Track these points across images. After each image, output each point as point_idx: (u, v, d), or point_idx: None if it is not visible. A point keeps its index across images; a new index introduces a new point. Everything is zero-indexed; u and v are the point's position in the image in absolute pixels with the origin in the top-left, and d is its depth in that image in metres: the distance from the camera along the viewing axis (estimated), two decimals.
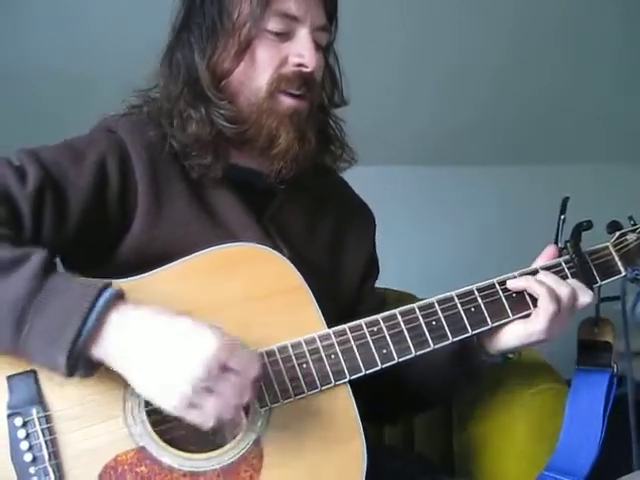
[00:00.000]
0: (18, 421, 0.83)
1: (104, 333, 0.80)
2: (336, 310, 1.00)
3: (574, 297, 1.03)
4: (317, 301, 0.96)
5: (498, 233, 3.04)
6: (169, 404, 0.79)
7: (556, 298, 1.01)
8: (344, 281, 1.16)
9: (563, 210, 1.10)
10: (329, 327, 0.96)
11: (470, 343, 1.07)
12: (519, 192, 3.13)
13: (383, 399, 1.13)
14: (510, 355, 1.08)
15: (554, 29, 2.58)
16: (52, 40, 2.27)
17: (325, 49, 1.10)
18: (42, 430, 0.83)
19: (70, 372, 0.80)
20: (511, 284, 1.03)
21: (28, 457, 0.82)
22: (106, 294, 0.81)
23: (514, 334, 1.03)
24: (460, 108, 2.78)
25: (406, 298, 1.54)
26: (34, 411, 0.83)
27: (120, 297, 0.82)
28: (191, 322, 0.81)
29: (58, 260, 1.00)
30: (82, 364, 0.80)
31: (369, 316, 0.98)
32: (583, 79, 2.78)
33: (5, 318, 0.79)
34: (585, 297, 1.04)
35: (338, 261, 1.17)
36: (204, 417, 0.79)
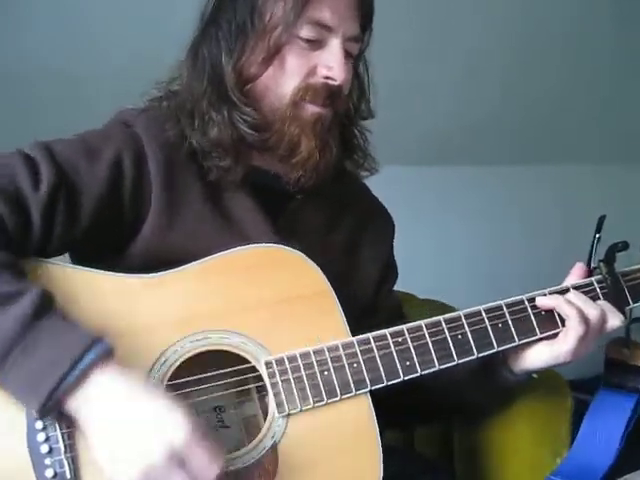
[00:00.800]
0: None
1: (82, 390, 0.78)
2: (348, 315, 0.98)
3: (603, 319, 1.01)
4: None
5: (504, 233, 3.03)
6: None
7: (585, 320, 0.99)
8: (360, 286, 1.15)
9: (599, 229, 1.08)
10: None
11: (495, 360, 1.05)
12: (525, 192, 3.11)
13: (401, 408, 1.12)
14: (534, 375, 1.07)
15: (558, 29, 2.56)
16: (52, 40, 2.27)
17: (356, 58, 1.08)
18: (59, 423, 0.82)
19: (41, 417, 0.80)
20: (540, 302, 1.01)
21: (44, 448, 0.81)
22: (95, 351, 0.78)
23: (540, 356, 1.02)
24: (466, 108, 2.77)
25: (407, 299, 1.53)
26: None
27: (109, 354, 0.80)
28: (167, 406, 0.78)
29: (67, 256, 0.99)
30: (53, 414, 0.80)
31: (387, 326, 0.96)
32: (587, 79, 2.76)
33: None
34: (614, 320, 1.02)
35: (354, 267, 1.15)
36: None
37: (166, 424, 0.77)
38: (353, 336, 0.95)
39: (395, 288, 1.33)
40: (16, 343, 0.77)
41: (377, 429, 0.92)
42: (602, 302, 1.03)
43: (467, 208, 3.08)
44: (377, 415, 0.94)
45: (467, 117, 2.80)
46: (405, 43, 2.48)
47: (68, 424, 0.83)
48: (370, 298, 1.17)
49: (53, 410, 0.79)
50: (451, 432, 1.31)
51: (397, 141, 2.76)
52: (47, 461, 0.81)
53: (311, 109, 1.01)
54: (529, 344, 1.02)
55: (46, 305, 0.81)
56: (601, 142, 3.03)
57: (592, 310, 1.00)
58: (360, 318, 1.02)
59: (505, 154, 3.01)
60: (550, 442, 1.14)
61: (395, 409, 1.10)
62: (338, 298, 0.96)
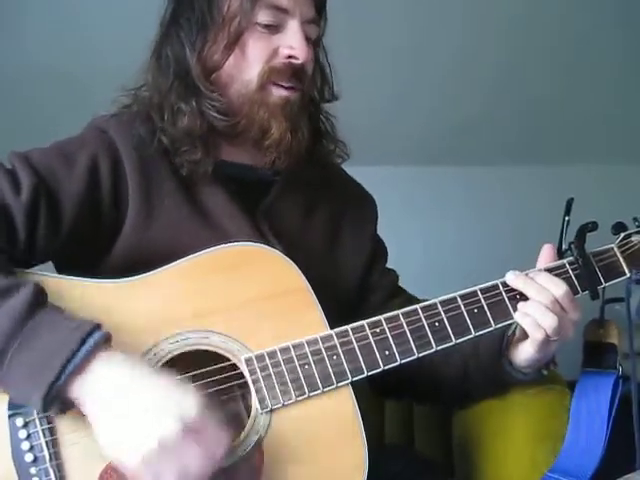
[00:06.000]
0: (19, 421, 0.83)
1: (84, 378, 0.79)
2: (337, 304, 1.00)
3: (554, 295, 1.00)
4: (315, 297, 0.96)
5: (499, 233, 3.03)
6: (128, 460, 0.77)
7: (539, 325, 1.00)
8: (344, 273, 1.16)
9: (567, 211, 1.09)
10: (331, 323, 0.95)
11: (502, 360, 1.07)
12: (520, 192, 3.12)
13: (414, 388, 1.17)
14: (544, 372, 1.09)
15: (555, 28, 2.56)
16: (50, 40, 2.27)
17: (315, 43, 1.10)
18: (43, 431, 0.83)
19: (44, 410, 0.80)
20: (510, 282, 1.02)
21: (29, 457, 0.82)
22: (94, 337, 0.80)
23: (529, 350, 1.03)
24: (460, 108, 2.78)
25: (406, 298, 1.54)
26: (35, 411, 0.83)
27: (107, 341, 0.81)
28: (176, 386, 0.80)
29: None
30: (57, 404, 0.80)
31: (383, 305, 0.98)
32: (584, 78, 2.77)
33: None
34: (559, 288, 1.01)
35: (336, 254, 1.16)
36: None
37: (177, 400, 0.78)
38: (341, 326, 0.96)
39: None
40: (15, 335, 0.78)
41: (360, 419, 0.93)
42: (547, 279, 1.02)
43: (461, 209, 3.09)
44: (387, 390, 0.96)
45: (462, 117, 2.79)
46: (398, 41, 2.47)
47: (52, 430, 0.83)
48: (360, 279, 1.18)
49: (56, 400, 0.79)
50: (451, 432, 1.32)
51: (391, 141, 2.77)
52: (32, 470, 0.82)
53: (278, 93, 1.03)
54: (523, 340, 1.03)
55: (40, 298, 0.82)
56: (602, 142, 3.03)
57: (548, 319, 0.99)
58: (348, 306, 1.02)
59: (500, 154, 3.01)
60: (550, 441, 1.13)
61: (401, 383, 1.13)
62: (322, 284, 0.97)
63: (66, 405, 0.80)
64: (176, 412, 0.77)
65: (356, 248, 1.18)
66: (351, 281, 1.17)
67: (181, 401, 0.78)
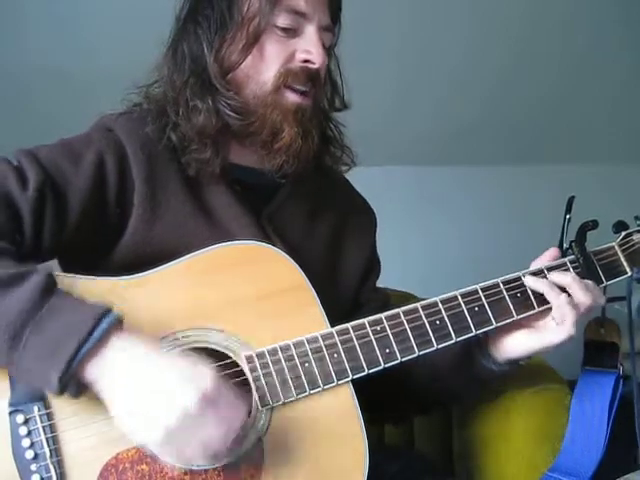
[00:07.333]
0: (20, 418, 0.83)
1: (101, 356, 0.80)
2: (335, 310, 0.99)
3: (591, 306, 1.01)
4: None
5: (500, 233, 3.04)
6: (150, 437, 0.78)
7: (576, 315, 1.00)
8: (343, 281, 1.16)
9: (568, 209, 1.09)
10: (330, 325, 0.95)
11: (475, 352, 1.07)
12: (521, 192, 3.13)
13: (386, 399, 1.13)
14: (521, 362, 1.07)
15: (558, 28, 2.57)
16: (49, 40, 2.28)
17: (328, 51, 1.10)
18: (43, 427, 0.83)
19: (61, 390, 0.80)
20: (531, 283, 1.02)
21: (29, 454, 0.82)
22: (109, 317, 0.81)
23: (526, 346, 1.03)
24: (462, 108, 2.79)
25: (407, 298, 1.54)
26: (35, 408, 0.83)
27: (121, 322, 0.82)
28: (190, 360, 0.81)
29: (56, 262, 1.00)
30: (73, 384, 0.80)
31: (382, 310, 0.97)
32: (587, 79, 2.77)
33: (1, 334, 0.78)
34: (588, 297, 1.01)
35: (337, 261, 1.17)
36: (180, 456, 0.79)
37: (193, 373, 0.79)
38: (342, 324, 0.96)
39: (390, 287, 1.34)
40: (30, 319, 0.79)
41: (361, 417, 0.93)
42: (587, 282, 1.03)
43: (462, 209, 3.09)
44: (363, 409, 0.94)
45: (463, 117, 2.80)
46: (400, 43, 2.49)
47: (52, 427, 0.83)
48: (355, 291, 1.18)
49: (72, 381, 0.79)
50: (451, 432, 1.31)
51: (393, 141, 2.78)
52: (33, 467, 0.82)
53: (292, 98, 1.04)
54: (513, 332, 1.03)
55: (51, 284, 0.83)
56: (604, 142, 3.03)
57: (583, 299, 1.00)
58: (344, 313, 1.02)
59: (501, 154, 3.02)
60: (549, 441, 1.13)
61: (378, 401, 1.10)
62: (322, 290, 0.97)
63: (82, 388, 0.81)
64: (193, 384, 0.78)
65: (357, 255, 1.19)
66: (348, 291, 1.17)
67: (197, 373, 0.79)
